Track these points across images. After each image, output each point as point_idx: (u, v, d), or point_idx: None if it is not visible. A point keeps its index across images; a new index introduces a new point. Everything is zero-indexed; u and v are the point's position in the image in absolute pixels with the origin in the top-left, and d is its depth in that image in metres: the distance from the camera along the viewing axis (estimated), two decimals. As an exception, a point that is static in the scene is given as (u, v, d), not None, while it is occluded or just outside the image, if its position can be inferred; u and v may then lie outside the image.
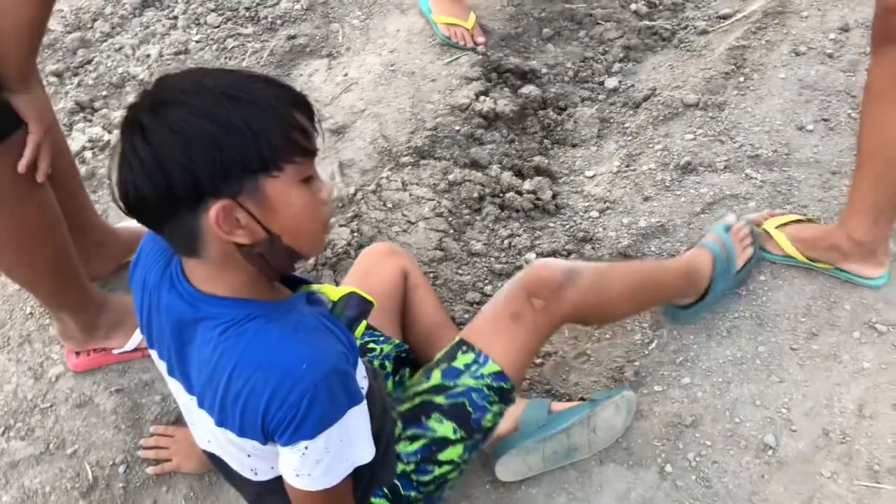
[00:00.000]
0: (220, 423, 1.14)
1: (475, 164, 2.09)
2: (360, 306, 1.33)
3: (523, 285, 1.46)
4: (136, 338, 1.78)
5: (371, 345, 1.60)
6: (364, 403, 1.15)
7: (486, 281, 1.86)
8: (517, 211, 1.99)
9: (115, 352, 1.80)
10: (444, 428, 1.41)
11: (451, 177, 2.04)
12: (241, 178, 1.01)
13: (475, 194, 2.00)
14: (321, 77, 2.39)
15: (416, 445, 1.40)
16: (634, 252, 1.88)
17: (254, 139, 1.00)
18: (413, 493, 1.39)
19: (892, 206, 1.64)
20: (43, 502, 1.63)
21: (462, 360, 1.44)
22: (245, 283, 1.11)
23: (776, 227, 1.80)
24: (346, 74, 2.38)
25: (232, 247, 1.05)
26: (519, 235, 1.94)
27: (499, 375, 1.42)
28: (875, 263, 1.72)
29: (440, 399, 1.42)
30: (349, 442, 1.12)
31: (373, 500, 1.36)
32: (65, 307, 1.72)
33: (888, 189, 1.62)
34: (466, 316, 1.78)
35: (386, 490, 1.39)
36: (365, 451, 1.16)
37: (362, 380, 1.30)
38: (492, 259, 1.90)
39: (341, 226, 1.97)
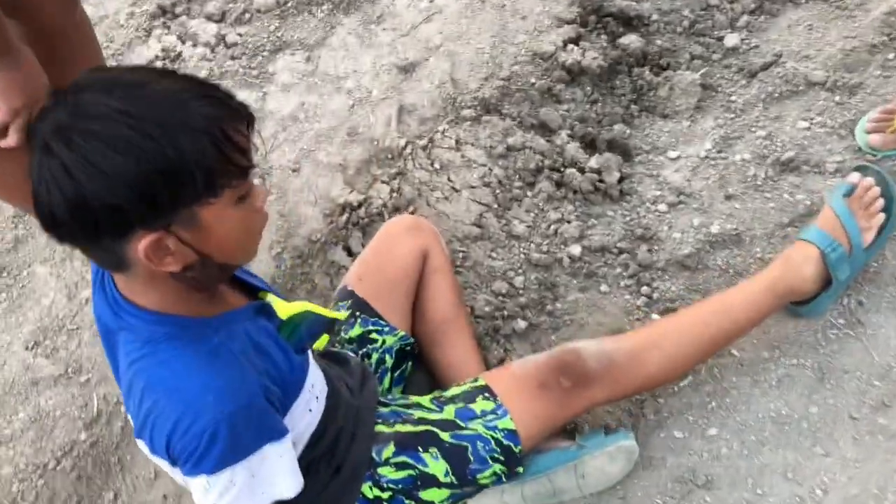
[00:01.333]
0: (137, 435, 1.09)
1: (542, 127, 1.85)
2: (317, 325, 1.22)
3: (555, 363, 1.36)
4: None
5: (374, 335, 1.50)
6: (286, 439, 1.07)
7: (520, 270, 1.66)
8: (575, 192, 1.75)
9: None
10: (436, 466, 1.31)
11: (510, 140, 1.81)
12: (174, 210, 0.93)
13: (532, 165, 1.78)
14: (405, 1, 2.17)
15: (402, 475, 1.30)
16: (695, 264, 1.62)
17: (188, 172, 0.90)
18: None
19: None
20: (52, 425, 1.69)
21: (480, 406, 1.35)
22: (172, 299, 1.04)
23: None
24: (432, 0, 2.16)
25: (160, 270, 0.98)
26: (569, 222, 1.71)
27: (511, 434, 1.32)
28: None
29: (445, 435, 1.32)
30: (264, 477, 1.05)
31: None
32: None
33: None
34: (487, 309, 1.62)
35: None
36: (286, 487, 1.07)
37: (313, 400, 1.21)
38: (532, 245, 1.70)
39: (383, 182, 1.82)
